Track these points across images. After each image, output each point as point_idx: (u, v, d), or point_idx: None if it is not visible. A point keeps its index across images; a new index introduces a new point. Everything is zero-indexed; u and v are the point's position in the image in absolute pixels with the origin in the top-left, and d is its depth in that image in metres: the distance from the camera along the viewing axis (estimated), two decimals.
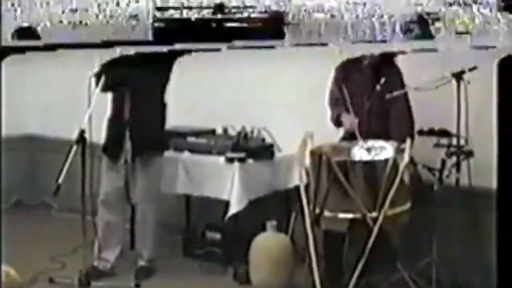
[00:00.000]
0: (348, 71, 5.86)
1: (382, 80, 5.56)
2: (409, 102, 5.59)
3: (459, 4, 5.25)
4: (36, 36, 5.74)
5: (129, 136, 5.99)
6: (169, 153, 6.33)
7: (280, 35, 5.61)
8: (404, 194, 5.19)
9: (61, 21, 5.77)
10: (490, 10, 5.15)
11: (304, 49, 6.08)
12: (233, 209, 6.03)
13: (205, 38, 5.51)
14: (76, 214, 6.04)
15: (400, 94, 5.50)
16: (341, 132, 5.88)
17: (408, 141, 5.17)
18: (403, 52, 5.63)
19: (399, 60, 5.70)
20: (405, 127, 5.57)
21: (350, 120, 5.68)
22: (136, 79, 5.90)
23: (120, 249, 6.17)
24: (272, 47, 5.67)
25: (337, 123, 5.86)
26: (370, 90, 5.67)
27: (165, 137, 6.25)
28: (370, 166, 5.23)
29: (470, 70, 5.30)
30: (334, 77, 5.91)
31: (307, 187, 5.28)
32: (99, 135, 6.01)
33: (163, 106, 6.10)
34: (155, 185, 6.12)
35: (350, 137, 5.71)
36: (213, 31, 5.54)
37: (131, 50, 5.90)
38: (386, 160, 5.18)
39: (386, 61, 5.71)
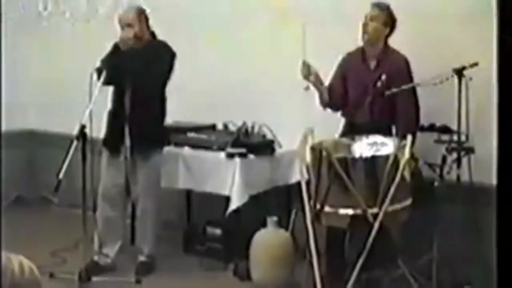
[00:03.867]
0: (351, 65, 5.86)
1: (383, 77, 5.55)
2: (416, 94, 5.57)
3: None
4: None
5: (129, 131, 5.99)
6: (169, 149, 6.32)
7: None
8: (404, 190, 5.19)
9: None
10: None
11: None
12: (233, 205, 6.03)
13: None
14: (76, 209, 6.04)
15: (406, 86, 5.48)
16: (340, 127, 5.89)
17: (409, 137, 5.17)
18: None
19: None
20: (409, 121, 5.57)
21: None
22: (138, 73, 5.90)
23: (120, 245, 6.17)
24: None
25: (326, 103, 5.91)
26: (375, 82, 5.67)
27: (165, 132, 6.24)
28: (370, 162, 5.23)
29: (471, 66, 5.29)
30: (335, 71, 5.91)
31: (308, 183, 5.28)
32: (99, 130, 6.01)
33: (163, 101, 6.09)
34: (155, 181, 6.12)
35: (349, 132, 5.72)
36: None
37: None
38: (387, 156, 5.18)
39: (391, 51, 5.70)
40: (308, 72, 5.77)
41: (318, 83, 5.85)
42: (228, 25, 6.87)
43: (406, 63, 5.64)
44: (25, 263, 2.28)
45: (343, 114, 5.92)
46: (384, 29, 5.68)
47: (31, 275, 2.28)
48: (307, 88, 5.71)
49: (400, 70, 5.61)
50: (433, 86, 5.35)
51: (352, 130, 5.70)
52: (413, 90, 5.56)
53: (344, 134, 5.79)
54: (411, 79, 5.58)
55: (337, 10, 6.24)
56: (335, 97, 5.89)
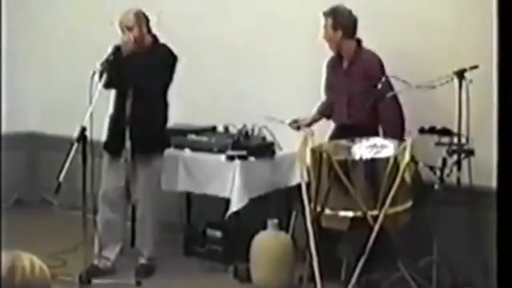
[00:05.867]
0: (331, 69, 5.97)
1: (383, 79, 5.55)
2: (397, 97, 5.59)
3: None
4: None
5: (130, 134, 5.99)
6: (169, 151, 6.32)
7: None
8: (405, 192, 5.19)
9: None
10: None
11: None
12: (233, 207, 6.02)
13: None
14: (77, 212, 6.04)
15: (385, 89, 5.52)
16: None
17: (409, 139, 5.18)
18: None
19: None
20: (394, 125, 5.63)
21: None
22: (139, 77, 5.90)
23: (120, 247, 6.17)
24: None
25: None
26: (348, 83, 5.75)
27: (166, 136, 6.24)
28: (371, 164, 5.24)
29: (472, 68, 5.29)
30: (325, 77, 6.05)
31: (308, 185, 5.28)
32: (100, 132, 6.00)
33: (165, 106, 6.09)
34: (155, 184, 6.12)
35: (336, 135, 5.76)
36: None
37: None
38: (387, 159, 5.19)
39: (364, 52, 5.77)
40: (298, 125, 5.98)
41: (309, 122, 6.01)
42: (229, 28, 6.87)
43: (379, 61, 5.69)
44: (36, 261, 2.29)
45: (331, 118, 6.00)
46: (335, 33, 5.74)
47: (42, 274, 2.28)
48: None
49: (372, 68, 5.67)
50: (433, 88, 5.35)
51: (338, 133, 5.76)
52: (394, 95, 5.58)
53: (332, 137, 5.83)
54: (385, 77, 5.61)
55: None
56: (329, 102, 5.98)
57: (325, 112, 6.03)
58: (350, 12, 5.75)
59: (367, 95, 5.58)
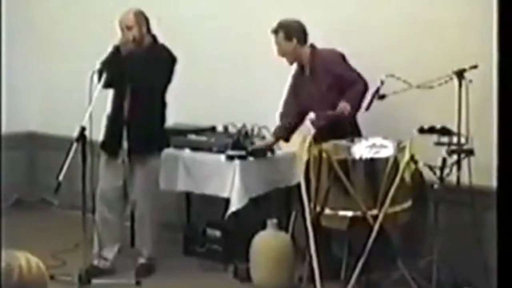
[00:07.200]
0: (295, 79, 6.02)
1: (384, 78, 5.55)
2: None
3: None
4: None
5: (127, 134, 5.98)
6: (169, 151, 6.32)
7: None
8: (404, 192, 5.20)
9: None
10: None
11: None
12: (233, 207, 6.02)
13: None
14: (77, 212, 6.04)
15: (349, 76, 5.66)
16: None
17: (409, 139, 5.18)
18: None
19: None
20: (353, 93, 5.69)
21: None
22: (137, 76, 5.90)
23: (118, 247, 6.16)
24: None
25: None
26: (319, 89, 5.79)
27: (164, 136, 6.23)
28: (370, 164, 5.24)
29: (471, 68, 5.29)
30: (289, 85, 6.09)
31: (307, 185, 5.28)
32: (99, 132, 6.01)
33: (163, 106, 6.08)
34: (152, 184, 6.11)
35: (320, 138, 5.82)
36: None
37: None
38: (387, 158, 5.19)
39: (319, 52, 5.84)
40: (268, 146, 6.17)
41: (274, 142, 6.16)
42: (229, 28, 6.87)
43: (338, 55, 5.76)
44: (31, 259, 2.29)
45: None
46: (290, 43, 5.86)
47: (38, 270, 2.29)
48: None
49: (332, 64, 5.75)
50: (433, 88, 5.35)
51: (321, 136, 5.79)
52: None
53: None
54: (347, 65, 5.72)
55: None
56: (289, 114, 6.04)
57: (283, 135, 6.11)
58: (297, 21, 5.89)
59: (336, 91, 5.68)
